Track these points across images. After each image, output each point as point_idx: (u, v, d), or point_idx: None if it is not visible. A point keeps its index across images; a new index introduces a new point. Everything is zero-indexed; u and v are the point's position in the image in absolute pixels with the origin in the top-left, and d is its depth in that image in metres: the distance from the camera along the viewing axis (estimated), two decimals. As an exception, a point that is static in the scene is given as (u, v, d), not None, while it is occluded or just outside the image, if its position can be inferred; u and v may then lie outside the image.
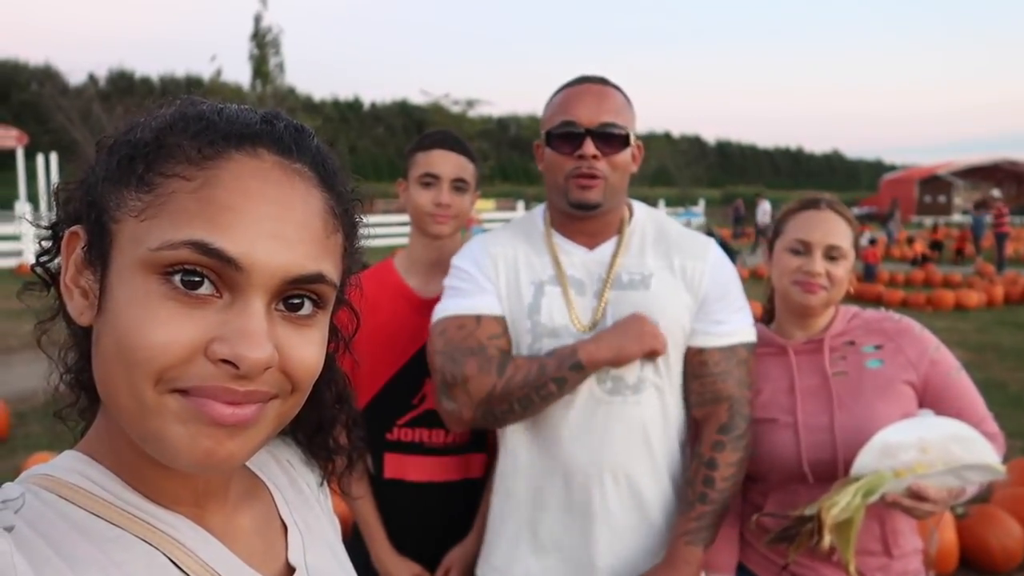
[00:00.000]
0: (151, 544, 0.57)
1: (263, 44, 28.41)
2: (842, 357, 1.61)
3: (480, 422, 1.48)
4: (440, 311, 1.54)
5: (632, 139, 1.49)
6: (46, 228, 0.64)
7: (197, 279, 0.53)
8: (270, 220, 0.54)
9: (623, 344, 1.41)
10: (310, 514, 0.75)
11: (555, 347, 1.46)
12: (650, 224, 1.60)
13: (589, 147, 1.43)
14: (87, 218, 0.57)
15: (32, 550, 0.51)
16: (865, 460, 1.43)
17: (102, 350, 0.55)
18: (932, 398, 1.57)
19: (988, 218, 18.80)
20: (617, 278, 1.52)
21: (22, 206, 16.64)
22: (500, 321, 1.53)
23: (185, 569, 0.58)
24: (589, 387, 1.48)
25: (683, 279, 1.53)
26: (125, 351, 0.52)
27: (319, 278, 0.57)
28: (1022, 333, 9.05)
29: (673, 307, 1.51)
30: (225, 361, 0.52)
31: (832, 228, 1.60)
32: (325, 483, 0.81)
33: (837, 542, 1.44)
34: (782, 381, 1.63)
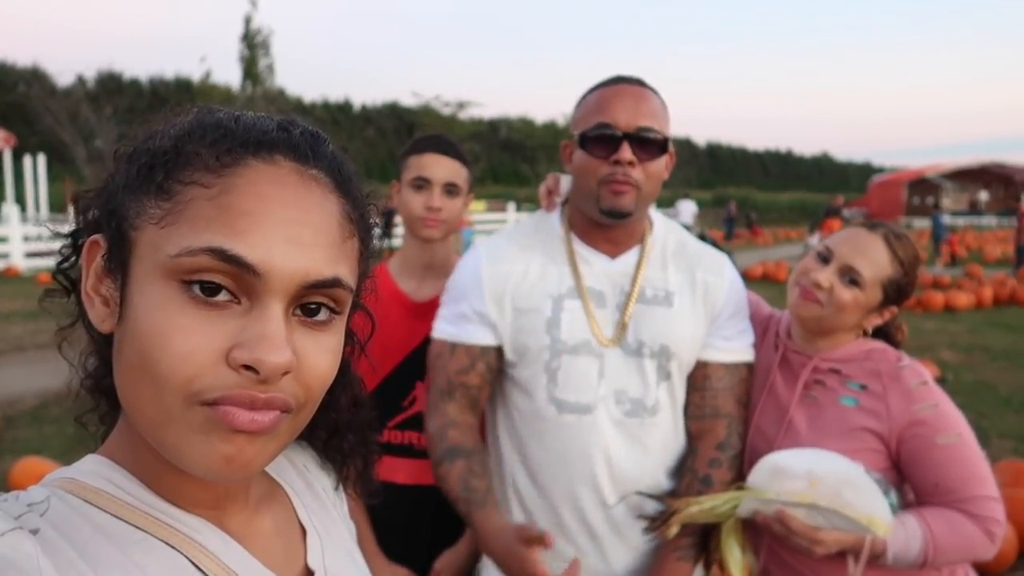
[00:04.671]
0: (173, 547, 0.57)
1: (253, 45, 28.34)
2: (821, 383, 1.51)
3: None
4: (433, 327, 1.56)
5: (669, 145, 1.43)
6: (65, 236, 0.64)
7: (215, 286, 0.53)
8: (287, 225, 0.55)
9: (507, 565, 1.32)
10: (327, 518, 0.75)
11: (476, 483, 1.44)
12: (671, 236, 1.56)
13: (625, 152, 1.36)
14: (107, 226, 0.58)
15: (57, 553, 0.51)
16: (756, 475, 1.40)
17: (124, 359, 0.55)
18: (906, 460, 1.42)
19: (947, 219, 18.81)
20: (642, 292, 1.48)
21: (9, 208, 16.47)
22: (471, 351, 1.48)
23: (207, 572, 0.58)
24: (607, 408, 1.45)
25: (704, 295, 1.51)
26: (148, 362, 0.52)
27: (336, 283, 0.57)
28: (1012, 334, 9.08)
29: (692, 328, 1.49)
30: (246, 367, 0.52)
31: (862, 249, 1.46)
32: (340, 487, 0.81)
33: (724, 552, 1.44)
34: (761, 370, 1.60)
